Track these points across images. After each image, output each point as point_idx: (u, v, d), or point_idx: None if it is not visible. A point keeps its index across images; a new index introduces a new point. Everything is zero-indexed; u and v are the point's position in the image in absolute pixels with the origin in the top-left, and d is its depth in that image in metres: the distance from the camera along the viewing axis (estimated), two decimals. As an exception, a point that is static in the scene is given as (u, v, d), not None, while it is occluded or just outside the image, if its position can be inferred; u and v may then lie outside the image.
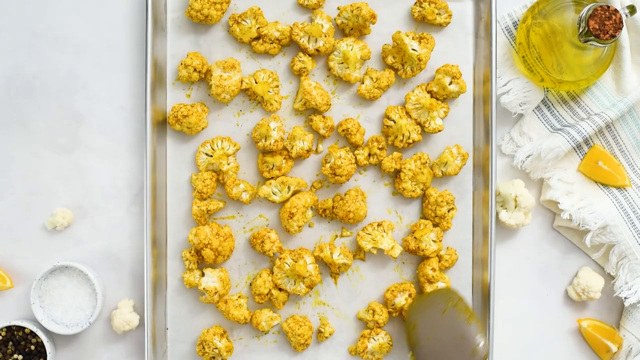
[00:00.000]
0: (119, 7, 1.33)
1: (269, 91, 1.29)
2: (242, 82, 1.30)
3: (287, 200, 1.30)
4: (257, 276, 1.31)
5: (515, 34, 1.34)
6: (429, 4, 1.30)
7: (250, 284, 1.33)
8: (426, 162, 1.30)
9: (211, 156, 1.29)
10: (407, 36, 1.28)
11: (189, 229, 1.32)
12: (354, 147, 1.32)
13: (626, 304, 1.32)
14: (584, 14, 1.20)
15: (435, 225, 1.32)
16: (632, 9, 1.23)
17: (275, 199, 1.30)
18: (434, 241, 1.30)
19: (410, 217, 1.34)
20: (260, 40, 1.31)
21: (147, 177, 1.28)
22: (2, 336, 1.29)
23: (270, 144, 1.28)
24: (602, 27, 1.20)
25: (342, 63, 1.30)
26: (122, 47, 1.33)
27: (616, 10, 1.20)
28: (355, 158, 1.31)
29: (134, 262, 1.33)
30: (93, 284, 1.29)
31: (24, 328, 1.29)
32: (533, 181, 1.35)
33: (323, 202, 1.32)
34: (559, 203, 1.31)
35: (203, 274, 1.30)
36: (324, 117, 1.31)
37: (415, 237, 1.30)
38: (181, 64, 1.29)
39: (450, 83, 1.29)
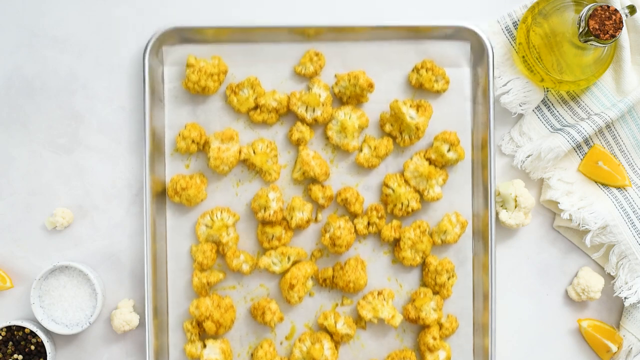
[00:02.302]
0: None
1: (267, 161, 1.30)
2: (240, 152, 1.30)
3: (288, 270, 1.30)
4: (258, 347, 1.31)
5: (515, 34, 1.34)
6: (427, 71, 1.30)
7: (252, 355, 1.32)
8: (425, 231, 1.30)
9: (211, 227, 1.29)
10: (405, 104, 1.28)
11: (190, 300, 1.32)
12: (353, 215, 1.32)
13: (626, 304, 1.32)
14: (584, 14, 1.20)
15: (436, 293, 1.32)
16: (632, 9, 1.23)
17: (275, 269, 1.30)
18: (434, 310, 1.30)
19: (410, 284, 1.34)
20: (258, 110, 1.30)
21: (147, 248, 1.28)
22: (2, 336, 1.29)
23: (270, 215, 1.28)
24: (602, 27, 1.20)
25: (340, 132, 1.30)
26: (122, 47, 1.33)
27: (616, 10, 1.20)
28: (355, 227, 1.31)
29: (134, 262, 1.33)
30: (93, 284, 1.29)
31: (24, 328, 1.29)
32: (533, 181, 1.35)
33: (323, 271, 1.32)
34: (559, 203, 1.31)
35: (205, 345, 1.29)
36: (322, 186, 1.31)
37: (415, 306, 1.30)
38: (179, 135, 1.29)
39: (449, 150, 1.29)
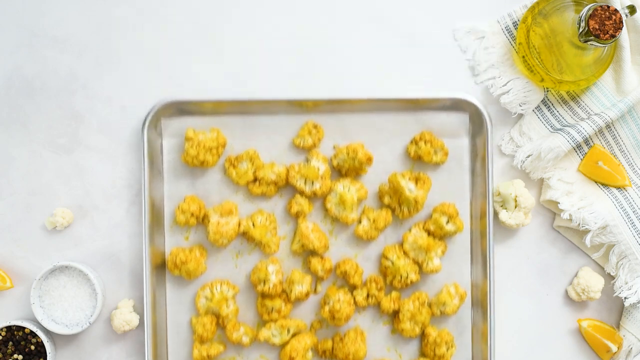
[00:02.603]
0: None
1: (266, 234, 1.30)
2: (239, 225, 1.30)
3: (287, 342, 1.30)
4: None
5: (515, 34, 1.34)
6: (425, 144, 1.30)
7: None
8: (425, 302, 1.31)
9: (211, 300, 1.30)
10: (404, 178, 1.29)
11: None
12: (353, 287, 1.32)
13: (626, 304, 1.32)
14: (584, 14, 1.20)
15: None
16: (632, 9, 1.23)
17: (275, 341, 1.30)
18: None
19: (409, 354, 1.34)
20: (257, 183, 1.31)
21: (147, 320, 1.28)
22: (2, 336, 1.29)
23: (269, 288, 1.28)
24: (602, 27, 1.20)
25: (339, 205, 1.30)
26: (122, 49, 1.33)
27: (616, 10, 1.20)
28: (354, 299, 1.31)
29: (134, 262, 1.33)
30: (93, 284, 1.29)
31: (24, 328, 1.29)
32: (533, 181, 1.35)
33: (323, 343, 1.32)
34: (559, 203, 1.31)
35: None
36: (322, 258, 1.31)
37: None
38: (178, 208, 1.29)
39: (448, 222, 1.30)
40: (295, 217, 1.32)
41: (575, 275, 1.36)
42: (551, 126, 1.35)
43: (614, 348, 1.33)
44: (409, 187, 1.28)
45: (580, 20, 1.21)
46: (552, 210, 1.36)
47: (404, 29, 1.35)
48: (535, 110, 1.35)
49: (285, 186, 1.32)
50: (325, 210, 1.32)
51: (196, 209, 1.28)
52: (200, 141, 1.28)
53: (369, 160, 1.29)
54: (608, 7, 1.20)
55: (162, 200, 1.32)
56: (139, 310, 1.33)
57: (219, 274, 1.33)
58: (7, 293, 1.33)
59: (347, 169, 1.31)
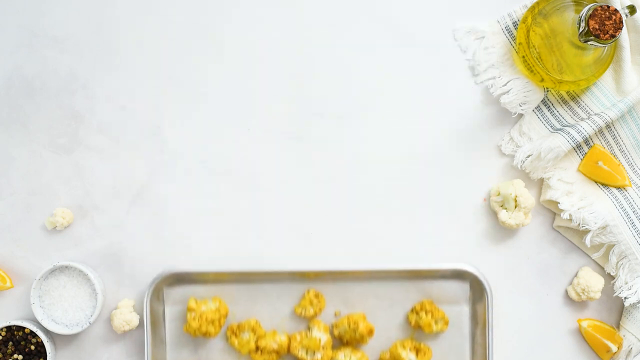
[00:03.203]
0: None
1: None
2: None
3: None
4: None
5: (515, 34, 1.34)
6: (426, 314, 1.31)
7: None
8: None
9: None
10: (405, 349, 1.30)
11: None
12: None
13: (626, 304, 1.32)
14: (584, 14, 1.20)
15: None
16: (632, 9, 1.23)
17: None
18: None
19: None
20: (259, 352, 1.32)
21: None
22: (2, 336, 1.29)
23: None
24: (602, 27, 1.20)
25: None
26: (122, 49, 1.33)
27: (616, 10, 1.20)
28: None
29: (134, 262, 1.33)
30: (93, 284, 1.29)
31: (24, 328, 1.29)
32: (533, 181, 1.35)
33: None
34: (559, 203, 1.31)
35: None
36: None
37: None
38: None
39: None
40: None
41: (575, 275, 1.36)
42: (551, 126, 1.35)
43: (614, 348, 1.33)
44: (409, 358, 1.30)
45: (580, 20, 1.21)
46: (552, 210, 1.36)
47: (404, 29, 1.35)
48: (535, 110, 1.35)
49: (287, 354, 1.33)
50: None
51: None
52: (203, 312, 1.29)
53: (370, 332, 1.31)
54: (608, 7, 1.20)
55: None
56: (139, 310, 1.33)
57: None
58: (7, 293, 1.33)
59: (348, 339, 1.32)
